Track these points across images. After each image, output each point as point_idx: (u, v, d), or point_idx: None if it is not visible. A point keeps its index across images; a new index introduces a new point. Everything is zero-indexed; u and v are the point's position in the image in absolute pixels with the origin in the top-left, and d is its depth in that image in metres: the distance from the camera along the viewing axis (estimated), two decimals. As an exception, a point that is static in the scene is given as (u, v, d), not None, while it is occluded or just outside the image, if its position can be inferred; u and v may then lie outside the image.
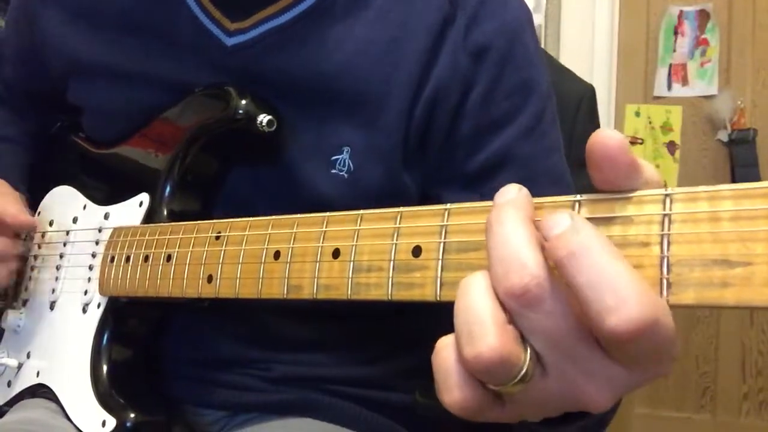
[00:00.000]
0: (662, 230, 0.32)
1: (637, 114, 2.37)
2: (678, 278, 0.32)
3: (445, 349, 0.35)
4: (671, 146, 2.35)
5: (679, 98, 2.34)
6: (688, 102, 2.34)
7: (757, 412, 2.24)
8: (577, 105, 1.32)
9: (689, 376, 2.30)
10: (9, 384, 0.77)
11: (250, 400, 0.72)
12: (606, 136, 0.33)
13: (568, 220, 0.32)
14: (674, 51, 2.35)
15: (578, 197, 0.36)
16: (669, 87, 2.35)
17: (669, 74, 2.35)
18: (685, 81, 2.34)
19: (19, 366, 0.77)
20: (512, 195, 0.35)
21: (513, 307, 0.33)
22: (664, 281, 0.32)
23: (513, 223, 0.33)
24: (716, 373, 2.28)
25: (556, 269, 0.32)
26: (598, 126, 1.37)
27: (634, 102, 2.38)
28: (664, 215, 0.32)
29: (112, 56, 0.74)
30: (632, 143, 2.38)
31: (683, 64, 2.34)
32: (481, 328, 0.32)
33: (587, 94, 1.36)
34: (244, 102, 0.66)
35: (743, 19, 2.29)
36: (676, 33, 2.35)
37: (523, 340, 0.33)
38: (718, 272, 0.30)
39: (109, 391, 0.66)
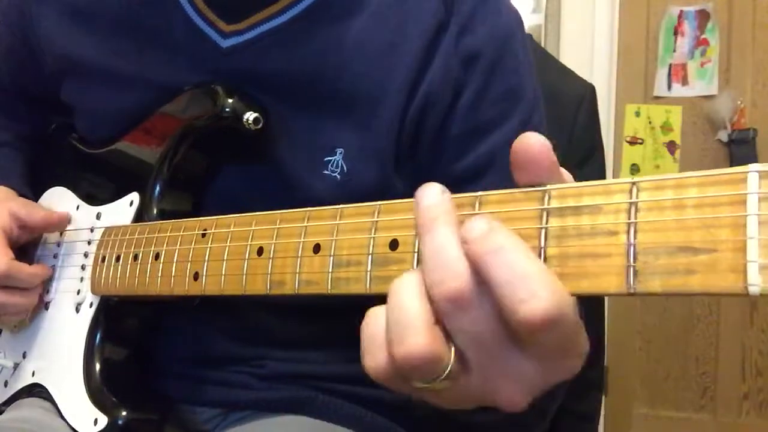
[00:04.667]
0: (629, 219, 0.32)
1: (637, 114, 2.37)
2: (644, 266, 0.32)
3: (374, 317, 0.38)
4: (671, 146, 2.34)
5: (679, 98, 2.34)
6: (688, 102, 2.33)
7: (757, 412, 2.23)
8: (577, 105, 1.31)
9: (689, 376, 2.29)
10: (6, 384, 0.78)
11: (244, 397, 0.72)
12: (529, 139, 0.37)
13: (486, 224, 0.35)
14: (674, 51, 2.34)
15: (548, 187, 0.36)
16: (669, 87, 2.35)
17: (669, 74, 2.35)
18: (685, 81, 2.33)
19: (15, 366, 0.77)
20: (436, 199, 0.38)
21: (446, 309, 0.35)
22: (631, 269, 0.32)
23: (445, 232, 0.36)
24: (716, 373, 2.27)
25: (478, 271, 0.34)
26: (598, 126, 1.36)
27: (634, 102, 2.38)
28: (631, 204, 0.33)
29: (106, 57, 0.74)
30: (632, 143, 2.37)
31: (683, 64, 2.33)
32: (411, 329, 0.35)
33: (587, 93, 1.35)
34: (230, 100, 0.66)
35: (743, 19, 2.28)
36: (676, 33, 2.35)
37: (448, 340, 0.36)
38: (683, 259, 0.31)
39: (101, 389, 0.66)
